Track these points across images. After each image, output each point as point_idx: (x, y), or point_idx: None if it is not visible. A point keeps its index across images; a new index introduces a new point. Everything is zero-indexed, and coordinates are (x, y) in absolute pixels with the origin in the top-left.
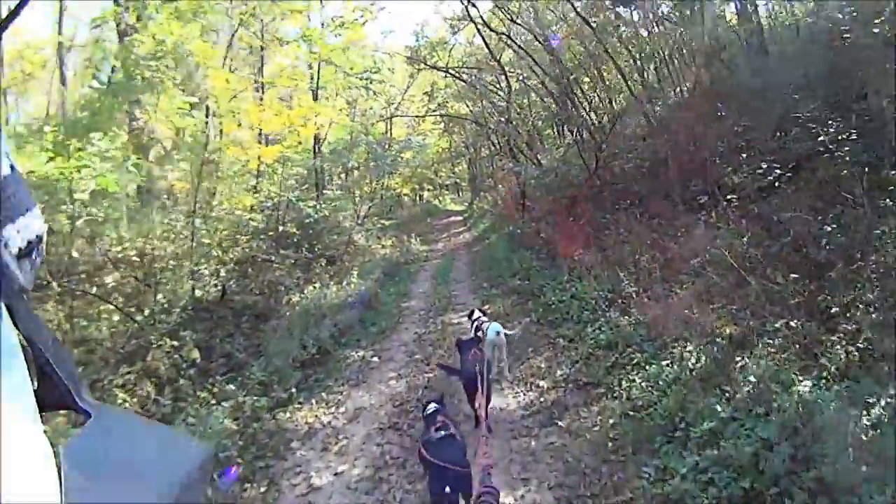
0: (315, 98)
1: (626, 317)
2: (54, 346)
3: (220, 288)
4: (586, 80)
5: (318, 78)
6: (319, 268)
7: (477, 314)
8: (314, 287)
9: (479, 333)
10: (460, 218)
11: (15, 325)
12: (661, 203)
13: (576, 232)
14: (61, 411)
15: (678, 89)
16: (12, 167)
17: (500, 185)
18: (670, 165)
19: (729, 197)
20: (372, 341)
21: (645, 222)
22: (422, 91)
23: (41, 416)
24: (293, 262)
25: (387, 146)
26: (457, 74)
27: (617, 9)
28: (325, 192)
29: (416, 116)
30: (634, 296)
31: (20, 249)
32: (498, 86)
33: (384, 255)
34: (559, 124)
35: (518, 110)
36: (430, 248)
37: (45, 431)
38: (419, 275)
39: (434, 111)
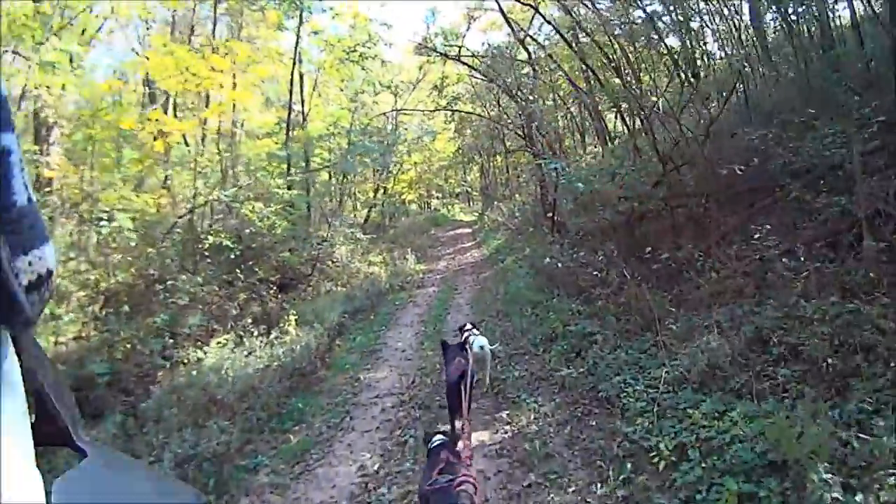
0: (297, 78)
1: None
2: (56, 382)
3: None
4: (645, 52)
5: (297, 49)
6: (245, 302)
7: (469, 327)
8: (226, 339)
9: (466, 345)
10: (469, 230)
11: (18, 357)
12: (827, 232)
13: (653, 274)
14: (56, 447)
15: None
16: (30, 198)
17: (516, 195)
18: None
19: None
20: (278, 477)
21: (803, 270)
22: (430, 86)
23: (36, 452)
24: (206, 291)
25: (385, 140)
26: (471, 65)
27: None
28: (277, 190)
29: (424, 111)
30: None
31: (30, 282)
32: (518, 80)
33: (368, 275)
34: (584, 125)
35: (542, 105)
36: (428, 269)
37: (38, 467)
38: (404, 313)
39: (444, 108)
